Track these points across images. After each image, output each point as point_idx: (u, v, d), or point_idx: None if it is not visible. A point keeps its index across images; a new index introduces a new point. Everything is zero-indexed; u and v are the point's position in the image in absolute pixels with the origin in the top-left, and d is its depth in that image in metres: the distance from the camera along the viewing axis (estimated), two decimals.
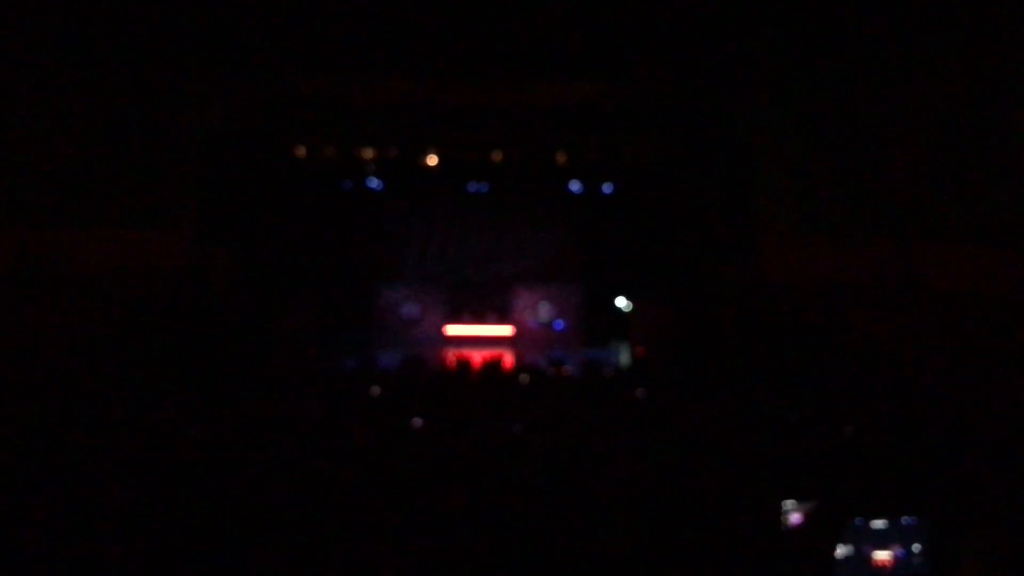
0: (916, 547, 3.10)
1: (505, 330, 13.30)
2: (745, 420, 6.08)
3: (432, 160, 10.63)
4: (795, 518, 3.51)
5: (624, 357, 11.92)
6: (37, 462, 4.63)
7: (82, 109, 8.31)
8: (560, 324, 13.41)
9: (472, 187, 12.60)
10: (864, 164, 8.10)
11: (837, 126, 8.50)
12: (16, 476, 4.39)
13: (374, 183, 11.73)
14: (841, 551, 3.09)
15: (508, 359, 11.73)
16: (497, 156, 10.82)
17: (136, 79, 8.60)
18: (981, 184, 6.35)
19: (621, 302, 12.53)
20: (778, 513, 3.48)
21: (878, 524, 3.10)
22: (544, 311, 13.47)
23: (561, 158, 10.89)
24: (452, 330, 13.28)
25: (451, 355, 11.70)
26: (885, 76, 7.65)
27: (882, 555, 3.09)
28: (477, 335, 13.20)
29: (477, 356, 11.34)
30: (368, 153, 10.78)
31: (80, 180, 8.36)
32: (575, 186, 11.89)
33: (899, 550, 3.09)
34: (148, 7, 8.16)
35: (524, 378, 8.45)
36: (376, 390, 7.59)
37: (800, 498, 3.55)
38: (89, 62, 8.21)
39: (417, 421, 6.06)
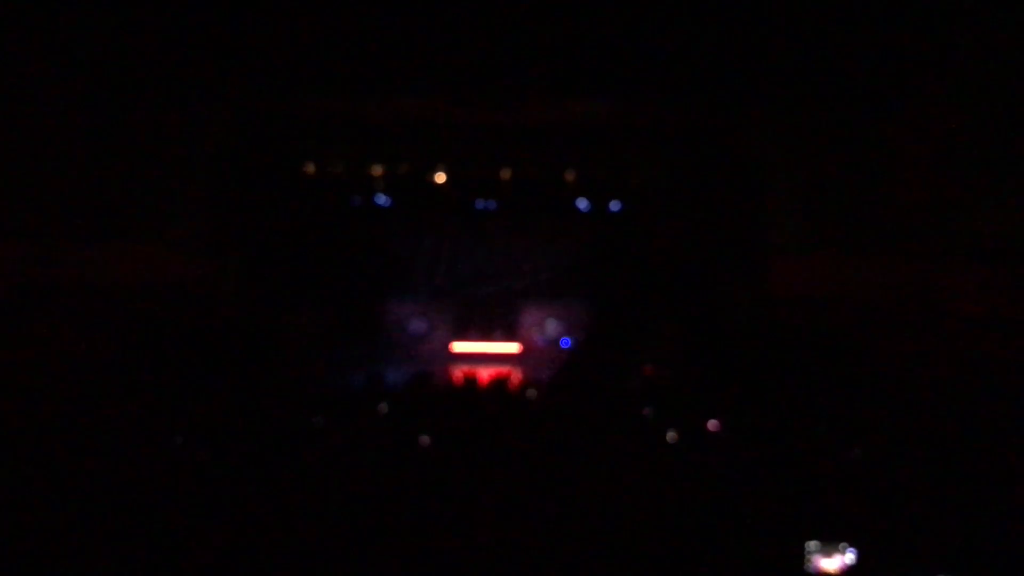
0: None
1: (512, 347, 13.27)
2: (757, 443, 6.02)
3: (440, 177, 10.66)
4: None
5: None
6: (50, 474, 4.62)
7: (93, 125, 8.38)
8: (567, 342, 13.36)
9: (480, 204, 12.61)
10: (874, 181, 8.08)
11: (847, 143, 8.49)
12: (28, 488, 4.39)
13: (382, 200, 11.75)
14: None
15: (515, 376, 11.68)
16: (505, 174, 10.85)
17: (147, 95, 8.67)
18: (993, 203, 6.32)
19: None
20: (800, 554, 3.36)
21: None
22: (551, 328, 13.43)
23: (569, 176, 10.92)
24: (459, 347, 13.26)
25: (458, 372, 11.67)
26: (897, 92, 7.65)
27: None
28: (484, 352, 13.17)
29: (484, 373, 11.30)
30: (377, 170, 10.83)
31: (92, 195, 8.43)
32: (583, 204, 11.89)
33: None
34: (160, 24, 8.24)
35: (532, 393, 8.41)
36: (383, 407, 7.56)
37: (823, 539, 3.39)
38: (100, 79, 8.29)
39: (424, 439, 6.02)
